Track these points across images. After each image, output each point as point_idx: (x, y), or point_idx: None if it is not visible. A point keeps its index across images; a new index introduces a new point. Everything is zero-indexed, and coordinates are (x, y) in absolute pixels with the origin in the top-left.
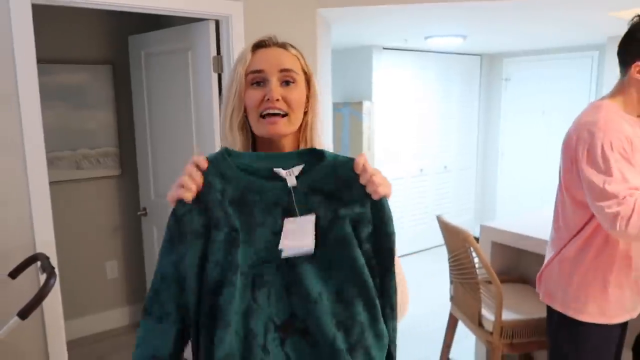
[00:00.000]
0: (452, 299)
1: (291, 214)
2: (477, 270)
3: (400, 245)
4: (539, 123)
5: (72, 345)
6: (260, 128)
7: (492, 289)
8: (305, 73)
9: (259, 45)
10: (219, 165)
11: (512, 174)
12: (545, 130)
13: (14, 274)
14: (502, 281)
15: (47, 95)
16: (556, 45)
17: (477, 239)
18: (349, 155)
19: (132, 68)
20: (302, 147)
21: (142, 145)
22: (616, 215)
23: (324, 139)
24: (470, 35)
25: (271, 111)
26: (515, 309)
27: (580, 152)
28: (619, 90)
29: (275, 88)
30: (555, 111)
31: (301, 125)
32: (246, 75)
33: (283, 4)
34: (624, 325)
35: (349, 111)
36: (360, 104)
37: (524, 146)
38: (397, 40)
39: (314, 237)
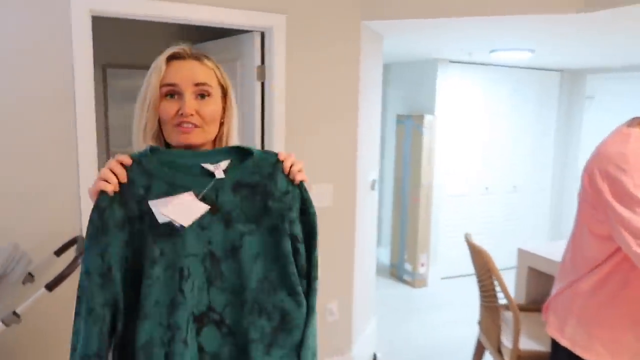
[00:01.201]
0: (479, 323)
1: (205, 200)
2: (500, 294)
3: (460, 267)
4: None
5: None
6: (174, 137)
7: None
8: (221, 86)
9: (173, 57)
10: (144, 162)
11: None
12: None
13: (58, 252)
14: (534, 310)
15: (116, 96)
16: None
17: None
18: (410, 167)
19: None
20: None
21: None
22: None
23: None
24: (539, 49)
25: (185, 125)
26: (539, 340)
27: (606, 187)
28: None
29: (189, 102)
30: None
31: (217, 136)
32: (160, 87)
33: (325, 17)
34: None
35: (412, 124)
36: (422, 117)
37: None
38: (461, 54)
39: (192, 221)
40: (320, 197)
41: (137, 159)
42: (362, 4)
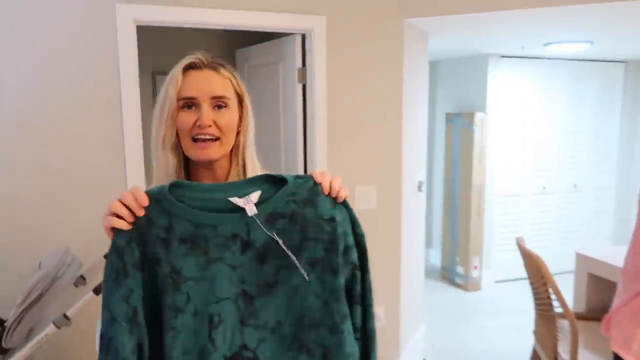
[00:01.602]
0: (534, 332)
1: (235, 237)
2: (556, 303)
3: (515, 270)
4: None
5: None
6: (193, 152)
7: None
8: (237, 94)
9: (190, 67)
10: (163, 201)
11: None
12: None
13: (107, 256)
14: (595, 319)
15: None
16: None
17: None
18: (460, 167)
19: (240, 78)
20: (234, 167)
21: None
22: None
23: (257, 160)
24: (598, 40)
25: (202, 136)
26: (600, 352)
27: None
28: None
29: (206, 114)
30: None
31: (233, 145)
32: (178, 99)
33: (366, 16)
34: None
35: (462, 122)
36: (472, 115)
37: None
38: (513, 48)
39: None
40: (363, 200)
41: (156, 197)
42: (404, 2)
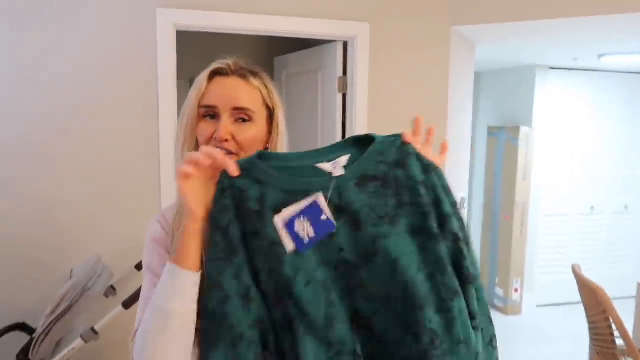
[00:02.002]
0: None
1: (343, 210)
2: (617, 339)
3: (561, 294)
4: None
5: None
6: None
7: None
8: (267, 107)
9: (216, 73)
10: (252, 170)
11: None
12: None
13: (139, 267)
14: None
15: None
16: None
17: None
18: (502, 183)
19: (277, 86)
20: None
21: None
22: None
23: None
24: None
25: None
26: None
27: None
28: None
29: (224, 126)
30: None
31: None
32: (198, 107)
33: (412, 23)
34: None
35: (505, 136)
36: (517, 129)
37: None
38: (564, 59)
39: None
40: None
41: (245, 167)
42: (452, 8)
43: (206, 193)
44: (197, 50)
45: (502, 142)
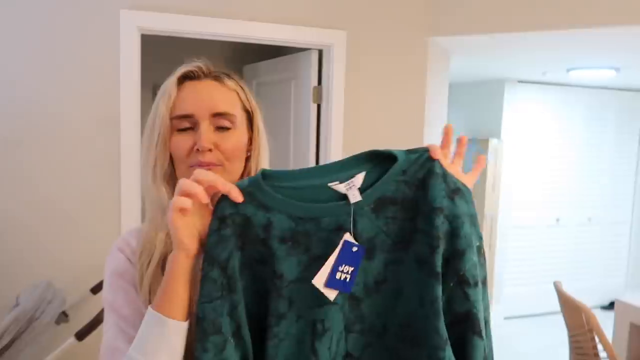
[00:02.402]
0: None
1: (357, 239)
2: (603, 358)
3: (527, 305)
4: None
5: None
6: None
7: None
8: (246, 111)
9: (186, 77)
10: (258, 193)
11: None
12: None
13: (95, 290)
14: None
15: None
16: None
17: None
18: (472, 194)
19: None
20: None
21: None
22: None
23: None
24: (626, 66)
25: (203, 165)
26: None
27: None
28: None
29: (206, 135)
30: None
31: (242, 173)
32: (171, 118)
33: (389, 33)
34: None
35: (475, 148)
36: (486, 141)
37: None
38: (533, 73)
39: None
40: None
41: (248, 189)
42: (429, 18)
43: (200, 223)
44: (161, 57)
45: (472, 154)
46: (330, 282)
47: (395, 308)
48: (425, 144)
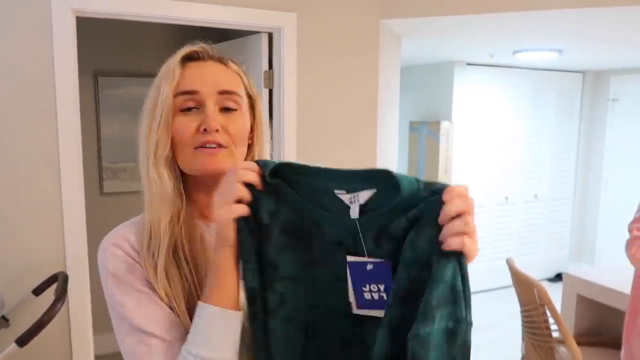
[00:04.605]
0: (523, 359)
1: (340, 245)
2: (554, 330)
3: (478, 281)
4: None
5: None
6: (195, 162)
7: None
8: (249, 96)
9: (190, 58)
10: (272, 181)
11: (618, 207)
12: None
13: (37, 291)
14: (590, 344)
15: (116, 107)
16: None
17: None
18: (424, 178)
19: None
20: None
21: None
22: None
23: None
24: (568, 49)
25: (209, 145)
26: None
27: None
28: None
29: (213, 114)
30: None
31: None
32: (174, 96)
33: (341, 15)
34: None
35: (426, 131)
36: (437, 123)
37: (633, 176)
38: (481, 55)
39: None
40: None
41: (264, 175)
42: (380, 1)
43: None
44: (102, 42)
45: (424, 137)
46: (362, 304)
47: (395, 338)
48: (378, 130)
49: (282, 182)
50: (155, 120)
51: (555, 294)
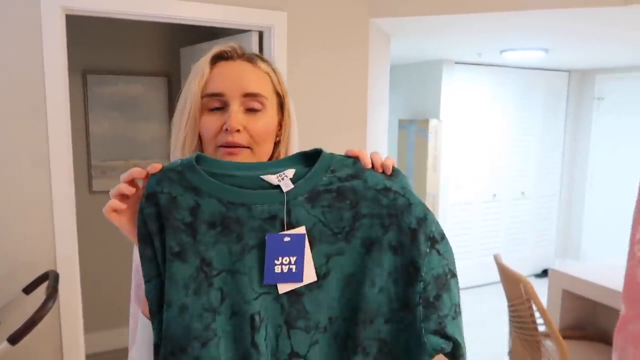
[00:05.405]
0: (510, 354)
1: (274, 220)
2: (540, 324)
3: (467, 277)
4: (636, 148)
5: (91, 358)
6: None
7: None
8: (277, 94)
9: (220, 57)
10: (188, 173)
11: (603, 205)
12: None
13: (28, 290)
14: (575, 338)
15: (105, 105)
16: None
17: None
18: (414, 176)
19: (184, 80)
20: None
21: None
22: None
23: None
24: (554, 48)
25: (230, 145)
26: None
27: None
28: None
29: (235, 116)
30: None
31: (270, 158)
32: (202, 96)
33: (331, 14)
34: None
35: (415, 129)
36: (426, 122)
37: (617, 173)
38: (469, 55)
39: (311, 261)
40: None
41: (178, 169)
42: (369, 1)
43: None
44: (89, 39)
45: (413, 135)
46: (270, 278)
47: (341, 297)
48: (368, 128)
49: (202, 173)
50: (183, 117)
51: (541, 289)
